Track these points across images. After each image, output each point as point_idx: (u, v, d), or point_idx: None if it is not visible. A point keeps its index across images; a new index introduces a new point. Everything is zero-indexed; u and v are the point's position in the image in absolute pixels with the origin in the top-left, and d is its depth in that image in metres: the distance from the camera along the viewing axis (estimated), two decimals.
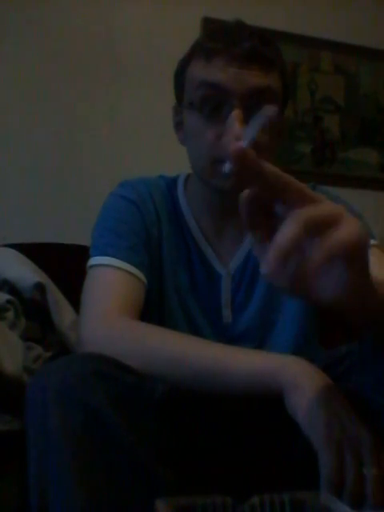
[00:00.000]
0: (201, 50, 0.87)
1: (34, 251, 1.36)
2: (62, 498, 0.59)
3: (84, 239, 1.09)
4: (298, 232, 0.46)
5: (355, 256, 0.47)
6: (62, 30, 1.80)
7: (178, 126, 0.95)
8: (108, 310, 0.81)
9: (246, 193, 0.50)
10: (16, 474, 0.91)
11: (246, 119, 0.82)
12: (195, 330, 0.91)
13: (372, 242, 0.92)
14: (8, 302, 1.14)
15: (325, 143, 2.06)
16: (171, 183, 1.00)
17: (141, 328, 0.79)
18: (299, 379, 0.66)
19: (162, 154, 1.58)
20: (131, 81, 1.85)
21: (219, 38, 0.86)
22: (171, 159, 1.06)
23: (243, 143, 0.48)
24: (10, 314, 1.13)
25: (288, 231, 0.46)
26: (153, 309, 0.92)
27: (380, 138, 2.12)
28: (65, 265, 1.42)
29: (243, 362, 0.71)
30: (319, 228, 0.46)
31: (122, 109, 1.83)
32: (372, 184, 2.08)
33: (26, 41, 1.77)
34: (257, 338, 0.94)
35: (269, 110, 0.49)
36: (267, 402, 0.70)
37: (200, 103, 0.86)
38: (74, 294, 1.03)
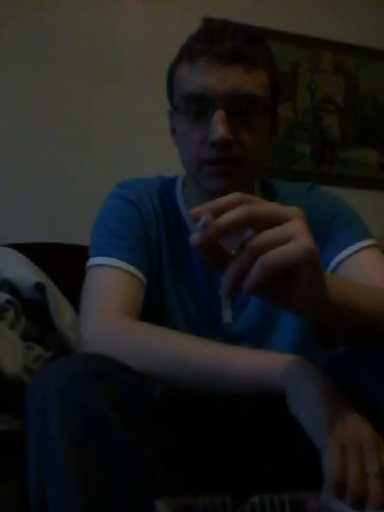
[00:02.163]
0: (186, 52, 0.87)
1: (33, 251, 1.36)
2: (61, 498, 0.59)
3: (84, 239, 1.09)
4: (245, 263, 0.52)
5: (300, 272, 0.53)
6: (61, 31, 1.80)
7: (174, 130, 0.95)
8: (108, 309, 0.81)
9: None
10: (16, 473, 0.91)
11: (228, 120, 0.82)
12: (194, 330, 0.91)
13: (371, 242, 0.92)
14: (8, 302, 1.14)
15: (325, 143, 2.06)
16: (169, 183, 1.00)
17: (141, 328, 0.79)
18: (301, 379, 0.66)
19: (163, 154, 1.57)
20: (131, 81, 1.85)
21: (203, 38, 0.86)
22: (171, 160, 1.06)
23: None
24: (10, 314, 1.13)
25: (238, 264, 0.53)
26: (152, 309, 0.92)
27: (380, 138, 2.12)
28: (65, 265, 1.42)
29: (245, 362, 0.71)
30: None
31: (122, 109, 1.83)
32: (372, 184, 2.08)
33: (26, 42, 1.77)
34: (256, 337, 0.94)
35: None
36: (267, 402, 0.70)
37: (185, 106, 0.86)
38: (74, 294, 1.03)
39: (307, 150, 2.03)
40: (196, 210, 0.54)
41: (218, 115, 0.82)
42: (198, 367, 0.72)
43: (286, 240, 0.52)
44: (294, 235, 0.52)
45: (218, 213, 0.53)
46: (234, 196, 0.54)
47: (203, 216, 0.53)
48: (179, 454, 0.68)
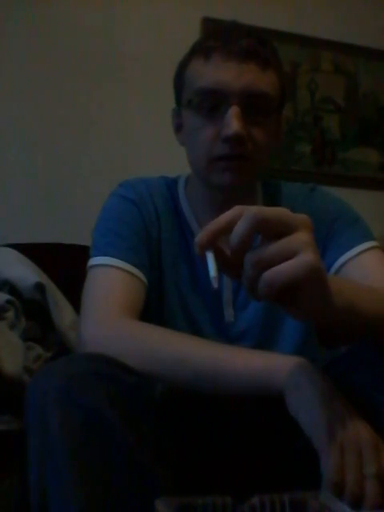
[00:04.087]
0: (200, 49, 0.88)
1: (34, 251, 1.36)
2: (61, 497, 0.59)
3: (84, 239, 1.09)
4: (251, 277, 0.53)
5: (304, 286, 0.52)
6: (61, 31, 1.80)
7: (178, 128, 0.95)
8: (108, 310, 0.81)
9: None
10: (16, 474, 0.91)
11: (243, 116, 0.82)
12: (196, 330, 0.91)
13: (373, 243, 0.92)
14: (8, 302, 1.14)
15: (325, 143, 2.06)
16: (172, 183, 1.00)
17: (141, 328, 0.79)
18: (300, 379, 0.66)
19: (163, 154, 1.58)
20: (131, 81, 1.85)
21: (217, 36, 0.87)
22: (172, 159, 1.06)
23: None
24: (10, 314, 1.13)
25: (245, 278, 0.53)
26: (153, 309, 0.92)
27: (380, 138, 2.12)
28: (65, 265, 1.42)
29: (244, 363, 0.71)
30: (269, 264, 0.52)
31: (123, 109, 1.83)
32: (372, 184, 2.08)
33: (25, 41, 1.77)
34: (258, 337, 0.94)
35: None
36: (267, 402, 0.70)
37: (198, 101, 0.86)
38: (74, 294, 1.03)
39: (307, 149, 2.03)
40: (200, 238, 0.54)
41: (233, 111, 0.82)
42: (197, 368, 0.72)
43: (290, 255, 0.51)
44: (298, 250, 0.51)
45: (221, 231, 0.53)
46: (235, 211, 0.53)
47: (204, 239, 0.53)
48: (179, 454, 0.68)
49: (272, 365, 0.69)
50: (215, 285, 0.53)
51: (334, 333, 0.63)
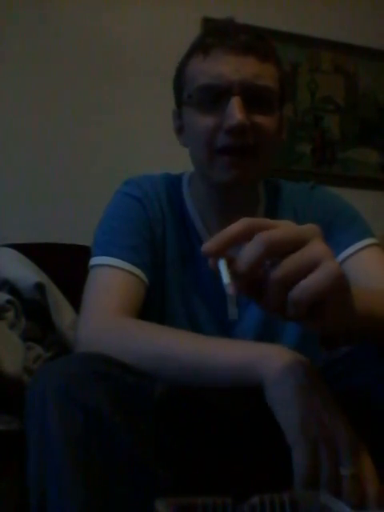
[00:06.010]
0: (198, 47, 0.88)
1: (34, 251, 1.36)
2: (61, 498, 0.59)
3: (84, 239, 1.09)
4: (277, 296, 0.51)
5: (330, 298, 0.51)
6: (61, 32, 1.80)
7: (180, 130, 0.95)
8: (106, 309, 0.81)
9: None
10: (16, 473, 0.91)
11: (245, 108, 0.82)
12: (197, 327, 0.91)
13: (373, 240, 0.92)
14: (8, 302, 1.14)
15: (325, 143, 2.06)
16: (176, 181, 1.00)
17: (131, 325, 0.79)
18: (279, 371, 0.63)
19: (164, 154, 1.58)
20: (131, 81, 1.85)
21: (215, 33, 0.87)
22: (173, 159, 1.06)
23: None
24: (10, 314, 1.13)
25: (270, 298, 0.51)
26: (155, 307, 0.92)
27: (380, 138, 2.12)
28: (65, 265, 1.42)
29: (224, 355, 0.69)
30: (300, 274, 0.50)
31: (123, 109, 1.83)
32: (372, 184, 2.08)
33: (29, 42, 1.77)
34: (260, 334, 0.93)
35: None
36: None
37: (199, 94, 0.86)
38: (74, 294, 1.03)
39: (307, 149, 2.03)
40: (207, 247, 0.52)
41: (236, 101, 0.82)
42: (182, 362, 0.71)
43: (312, 266, 0.50)
44: (319, 261, 0.50)
45: (228, 243, 0.52)
46: (243, 223, 0.52)
47: (213, 248, 0.52)
48: (179, 454, 0.68)
49: (251, 357, 0.67)
50: (231, 291, 0.50)
51: (337, 336, 0.62)
